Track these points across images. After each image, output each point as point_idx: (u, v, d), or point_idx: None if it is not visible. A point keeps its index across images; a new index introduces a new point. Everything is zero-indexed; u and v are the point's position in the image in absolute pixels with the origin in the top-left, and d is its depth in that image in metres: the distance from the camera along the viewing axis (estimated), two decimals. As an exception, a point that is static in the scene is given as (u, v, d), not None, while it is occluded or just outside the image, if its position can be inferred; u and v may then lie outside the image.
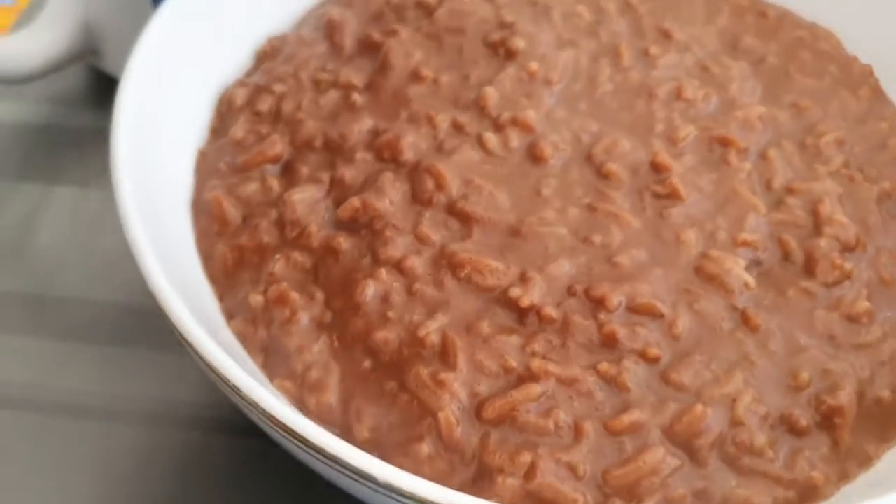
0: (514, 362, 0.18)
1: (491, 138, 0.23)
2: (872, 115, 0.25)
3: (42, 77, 0.29)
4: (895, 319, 0.21)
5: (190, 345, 0.17)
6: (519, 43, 0.25)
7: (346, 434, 0.18)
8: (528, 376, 0.18)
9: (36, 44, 0.28)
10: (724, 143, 0.23)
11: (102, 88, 0.31)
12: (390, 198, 0.21)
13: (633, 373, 0.19)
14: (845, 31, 0.27)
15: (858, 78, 0.26)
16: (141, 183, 0.20)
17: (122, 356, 0.24)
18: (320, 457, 0.15)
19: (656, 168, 0.22)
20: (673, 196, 0.21)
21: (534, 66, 0.24)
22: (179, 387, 0.23)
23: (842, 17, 0.28)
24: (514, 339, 0.19)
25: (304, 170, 0.22)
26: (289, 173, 0.23)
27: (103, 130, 0.29)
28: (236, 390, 0.16)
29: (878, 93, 0.26)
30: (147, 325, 0.24)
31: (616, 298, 0.19)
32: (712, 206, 0.22)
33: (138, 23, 0.26)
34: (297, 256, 0.21)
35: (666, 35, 0.26)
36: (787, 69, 0.26)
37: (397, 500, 0.15)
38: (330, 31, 0.26)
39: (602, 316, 0.19)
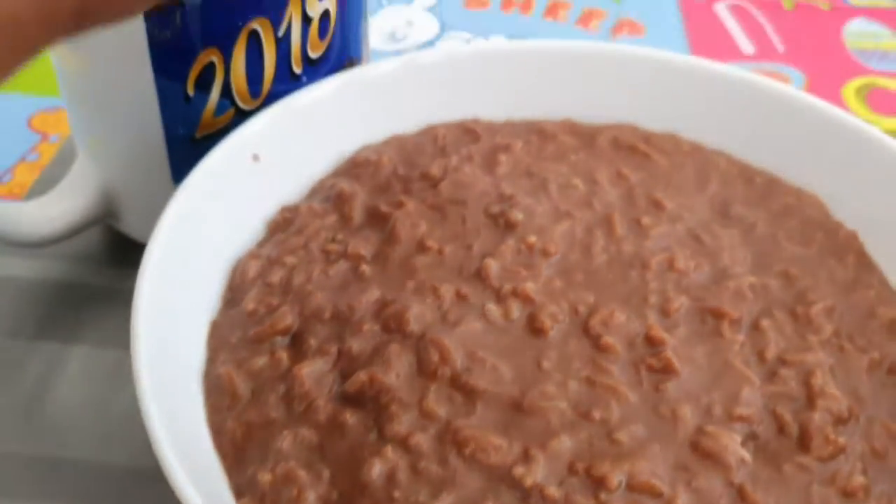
0: (517, 547, 0.19)
1: (493, 310, 0.24)
2: (860, 283, 0.26)
3: (61, 241, 0.30)
4: (890, 492, 0.21)
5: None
6: (517, 215, 0.26)
7: None
8: (532, 562, 0.19)
9: (57, 209, 0.30)
10: (717, 314, 0.24)
11: (120, 248, 0.32)
12: (396, 371, 0.22)
13: (635, 556, 0.19)
14: (830, 194, 0.29)
15: (844, 244, 0.27)
16: (157, 358, 0.21)
17: (131, 523, 0.25)
18: None
19: (651, 341, 0.23)
20: (668, 370, 0.22)
21: (532, 238, 0.25)
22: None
23: (827, 180, 0.29)
24: (519, 522, 0.19)
25: (313, 342, 0.23)
26: (297, 345, 0.23)
27: (120, 289, 0.30)
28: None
29: (863, 258, 0.27)
30: (161, 490, 0.25)
31: (616, 478, 0.20)
32: (707, 380, 0.22)
33: (156, 189, 0.28)
34: (305, 432, 0.21)
35: (657, 205, 0.27)
36: (777, 237, 0.27)
37: None
38: (339, 202, 0.27)
39: (603, 496, 0.20)
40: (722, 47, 0.45)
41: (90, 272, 0.32)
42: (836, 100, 0.42)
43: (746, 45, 0.45)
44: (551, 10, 0.47)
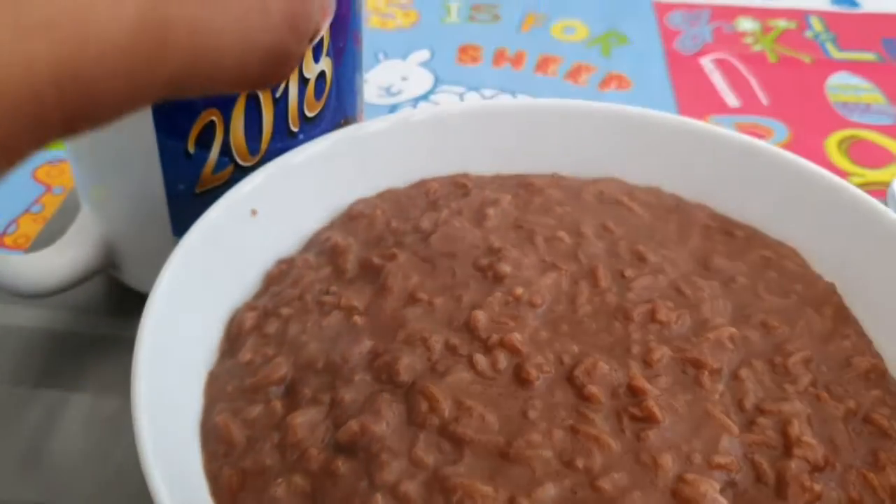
0: (502, 593, 0.19)
1: (481, 360, 0.24)
2: (837, 334, 0.27)
3: (64, 291, 0.31)
4: (866, 540, 0.22)
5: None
6: (505, 268, 0.27)
7: None
8: None
9: (60, 261, 0.31)
10: (697, 365, 0.24)
11: (120, 298, 0.33)
12: (387, 420, 0.23)
13: None
14: (809, 247, 0.30)
15: (822, 296, 0.28)
16: (156, 406, 0.22)
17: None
18: None
19: (633, 391, 0.24)
20: (649, 419, 0.23)
21: (519, 290, 0.26)
22: None
23: (805, 234, 0.30)
24: (503, 568, 0.20)
25: (306, 392, 0.24)
26: (291, 395, 0.24)
27: (120, 339, 0.31)
28: None
29: (841, 310, 0.28)
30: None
31: (598, 525, 0.20)
32: (687, 428, 0.23)
33: (157, 242, 0.29)
34: (298, 480, 0.22)
35: (640, 258, 0.28)
36: (756, 288, 0.28)
37: None
38: (334, 255, 0.28)
39: (585, 542, 0.20)
40: (708, 100, 0.46)
41: (91, 322, 0.33)
42: (819, 152, 0.43)
43: (732, 99, 0.47)
44: (542, 66, 0.49)
